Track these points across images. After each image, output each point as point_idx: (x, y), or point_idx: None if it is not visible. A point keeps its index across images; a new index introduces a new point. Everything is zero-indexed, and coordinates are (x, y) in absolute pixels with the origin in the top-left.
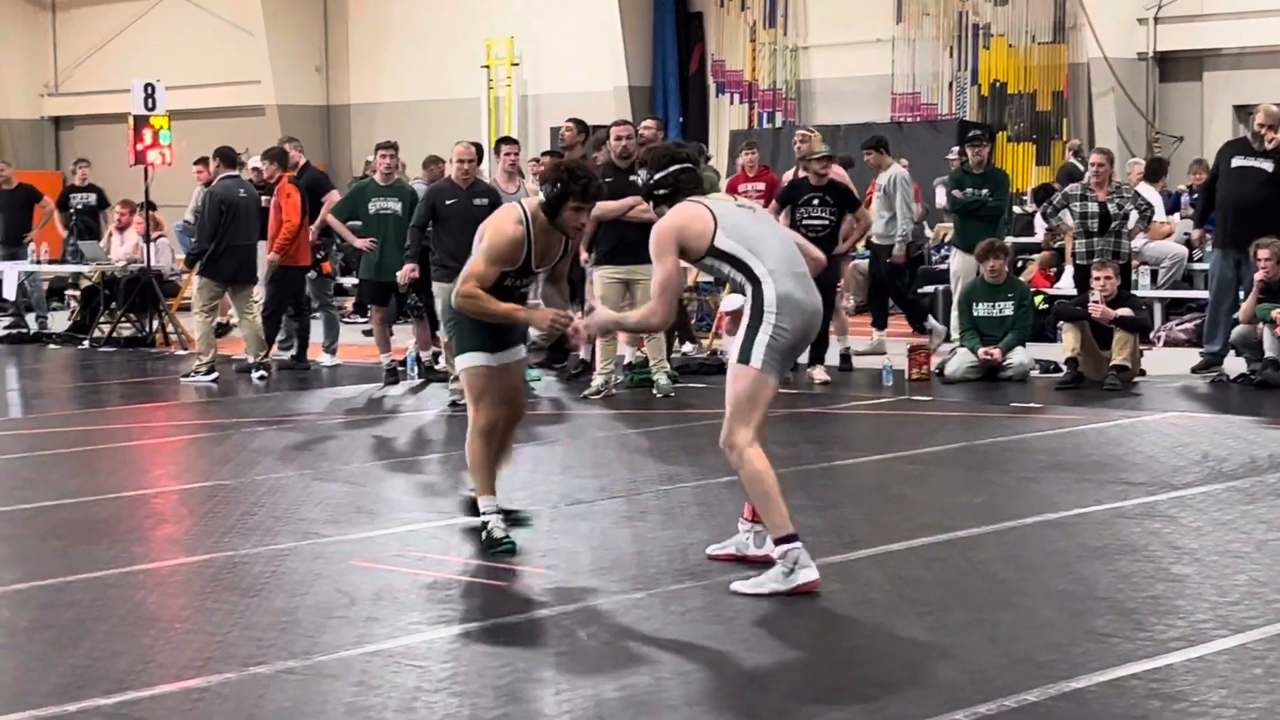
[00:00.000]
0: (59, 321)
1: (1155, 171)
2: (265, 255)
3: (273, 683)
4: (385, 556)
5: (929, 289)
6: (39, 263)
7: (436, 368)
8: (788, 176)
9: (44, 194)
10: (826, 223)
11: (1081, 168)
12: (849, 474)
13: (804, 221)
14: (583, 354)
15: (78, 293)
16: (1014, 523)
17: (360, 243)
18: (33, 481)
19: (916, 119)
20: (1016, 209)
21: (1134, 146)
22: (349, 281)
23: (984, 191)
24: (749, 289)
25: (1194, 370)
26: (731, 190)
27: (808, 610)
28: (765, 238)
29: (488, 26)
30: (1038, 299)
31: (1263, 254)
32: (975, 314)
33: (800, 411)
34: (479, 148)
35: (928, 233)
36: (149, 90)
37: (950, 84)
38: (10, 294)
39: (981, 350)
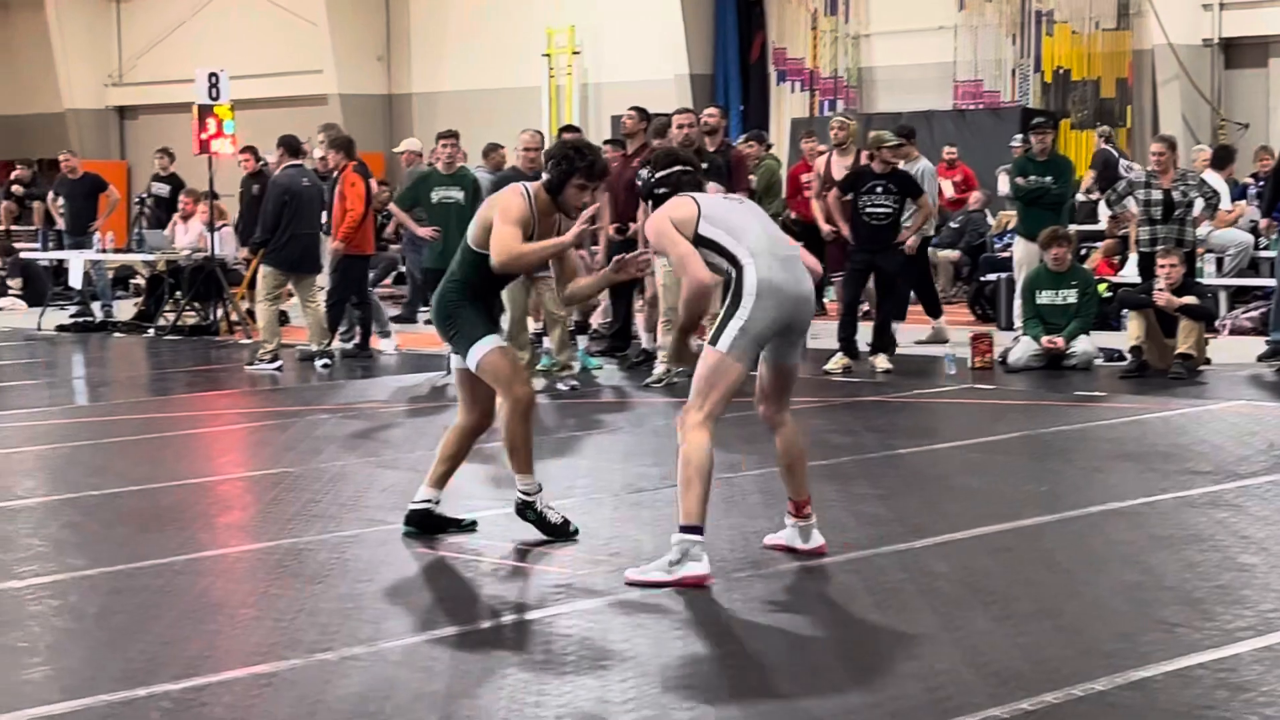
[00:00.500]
0: (124, 310)
1: (1222, 159)
2: (329, 244)
3: (338, 669)
4: (449, 543)
5: (991, 277)
6: (104, 251)
7: None
8: (819, 163)
9: (109, 183)
10: (889, 210)
11: (1115, 154)
12: (912, 463)
13: (866, 209)
14: (644, 343)
15: (143, 281)
16: (1079, 512)
17: (424, 231)
18: (100, 469)
19: (979, 106)
20: (1079, 196)
21: (1199, 133)
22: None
23: (1047, 179)
24: (733, 274)
25: (1260, 358)
26: (793, 178)
27: (871, 598)
28: (748, 224)
29: (548, 15)
30: (1101, 287)
31: None
32: (1039, 302)
33: (863, 400)
34: (544, 136)
35: (989, 220)
36: (213, 80)
37: (1013, 71)
38: (76, 283)
39: (1045, 338)
